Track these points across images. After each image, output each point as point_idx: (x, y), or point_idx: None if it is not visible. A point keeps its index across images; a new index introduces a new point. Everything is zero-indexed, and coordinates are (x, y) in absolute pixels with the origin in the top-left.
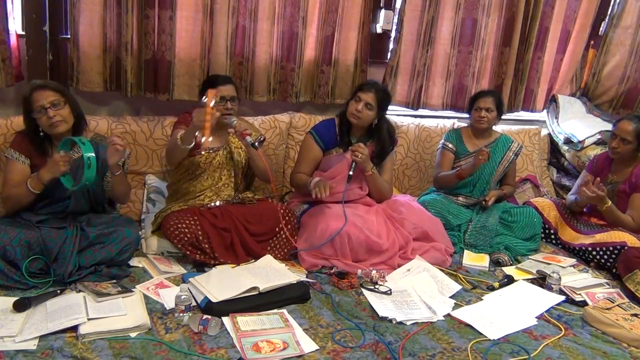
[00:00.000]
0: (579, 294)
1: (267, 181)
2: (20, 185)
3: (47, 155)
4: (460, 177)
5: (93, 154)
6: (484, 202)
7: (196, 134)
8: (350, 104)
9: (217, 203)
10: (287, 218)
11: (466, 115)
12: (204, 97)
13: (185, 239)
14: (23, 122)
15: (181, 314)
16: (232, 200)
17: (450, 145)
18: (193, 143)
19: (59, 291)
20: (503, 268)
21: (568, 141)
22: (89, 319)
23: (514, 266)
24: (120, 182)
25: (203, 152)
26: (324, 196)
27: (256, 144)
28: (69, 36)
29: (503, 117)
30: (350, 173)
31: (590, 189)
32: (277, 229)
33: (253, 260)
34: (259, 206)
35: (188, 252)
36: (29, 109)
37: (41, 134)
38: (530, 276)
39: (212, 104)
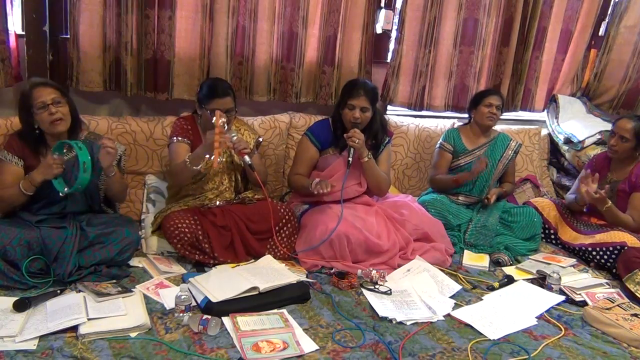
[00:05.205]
0: (579, 294)
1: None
2: (12, 187)
3: (41, 155)
4: (457, 184)
5: (89, 159)
6: (485, 201)
7: (206, 155)
8: (344, 113)
9: (218, 203)
10: (286, 217)
11: (466, 115)
12: (213, 117)
13: (185, 239)
14: (19, 119)
15: (181, 314)
16: (232, 200)
17: (447, 146)
18: (201, 163)
19: (59, 291)
20: (503, 268)
21: (568, 141)
22: (89, 319)
23: (514, 266)
24: (116, 182)
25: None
26: (326, 191)
27: (252, 163)
28: (68, 36)
29: (501, 116)
30: (350, 159)
31: (591, 186)
32: (276, 228)
33: (253, 260)
34: (259, 205)
35: (187, 253)
36: (28, 106)
37: (36, 131)
38: (530, 276)
39: (220, 123)
